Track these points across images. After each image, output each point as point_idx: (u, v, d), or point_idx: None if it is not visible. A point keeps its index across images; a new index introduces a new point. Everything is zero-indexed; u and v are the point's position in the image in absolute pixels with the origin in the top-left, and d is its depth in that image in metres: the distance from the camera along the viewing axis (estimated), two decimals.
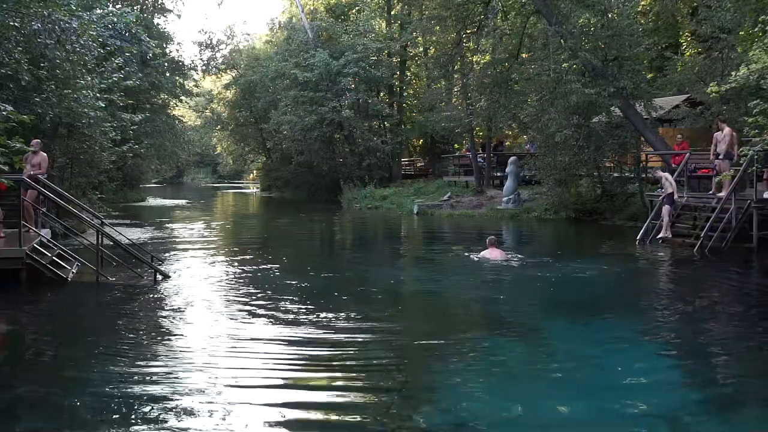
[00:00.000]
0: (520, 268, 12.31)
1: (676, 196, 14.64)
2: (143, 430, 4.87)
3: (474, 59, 27.12)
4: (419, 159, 39.41)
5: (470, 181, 27.99)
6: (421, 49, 36.66)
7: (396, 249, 14.93)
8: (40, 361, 6.86)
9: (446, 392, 5.70)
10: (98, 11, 18.45)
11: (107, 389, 5.70)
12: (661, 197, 15.14)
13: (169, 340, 7.38)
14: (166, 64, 34.78)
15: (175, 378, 5.98)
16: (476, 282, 11.59)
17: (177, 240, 17.26)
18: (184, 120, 46.24)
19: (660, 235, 14.39)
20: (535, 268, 12.09)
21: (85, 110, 15.24)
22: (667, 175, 14.73)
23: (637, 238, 15.03)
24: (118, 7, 26.91)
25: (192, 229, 20.52)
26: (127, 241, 12.54)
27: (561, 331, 7.84)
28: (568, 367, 6.37)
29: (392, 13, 35.87)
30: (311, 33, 34.38)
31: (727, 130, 14.51)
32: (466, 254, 13.37)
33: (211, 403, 5.35)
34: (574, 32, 18.47)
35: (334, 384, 5.96)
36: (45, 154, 12.18)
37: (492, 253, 12.58)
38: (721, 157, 14.46)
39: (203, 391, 5.60)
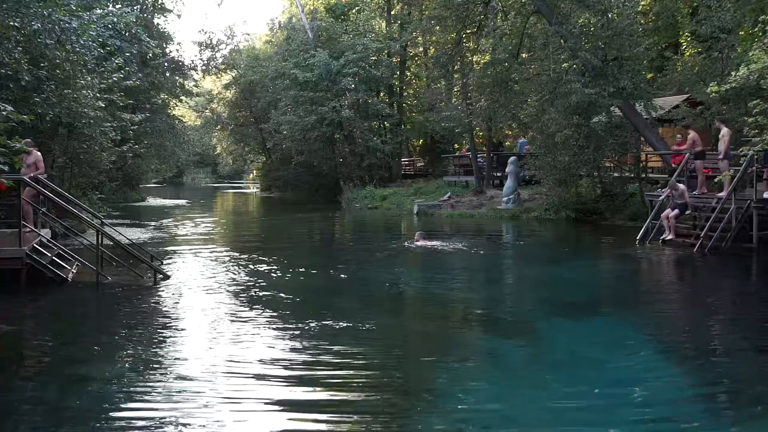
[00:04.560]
0: (504, 264, 13.19)
1: (687, 211, 14.68)
2: (143, 430, 4.88)
3: (474, 59, 27.13)
4: (419, 159, 39.40)
5: (470, 181, 28.00)
6: (421, 49, 36.67)
7: (394, 249, 14.95)
8: (40, 361, 6.86)
9: (446, 392, 5.70)
10: (98, 11, 18.38)
11: (107, 389, 5.70)
12: (662, 197, 15.14)
13: (168, 340, 7.38)
14: (166, 64, 34.74)
15: (174, 378, 5.99)
16: (476, 282, 11.61)
17: (177, 240, 17.27)
18: (184, 120, 46.20)
19: (668, 237, 14.35)
20: (522, 266, 12.11)
21: (85, 110, 15.22)
22: (684, 188, 14.69)
23: (637, 238, 15.03)
24: (118, 7, 26.87)
25: (192, 228, 20.53)
26: (127, 241, 12.54)
27: (561, 330, 7.84)
28: (567, 367, 6.38)
29: (392, 13, 35.87)
30: (311, 33, 34.37)
31: (725, 130, 14.51)
32: (404, 243, 15.47)
33: (210, 402, 5.35)
34: (574, 32, 18.46)
35: (333, 384, 5.96)
36: (39, 153, 12.11)
37: (422, 242, 14.99)
38: (720, 156, 14.48)
39: (203, 391, 5.60)
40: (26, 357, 7.02)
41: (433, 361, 6.69)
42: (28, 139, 11.93)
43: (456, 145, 35.83)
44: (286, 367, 6.33)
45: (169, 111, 37.95)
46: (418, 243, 14.96)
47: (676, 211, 14.36)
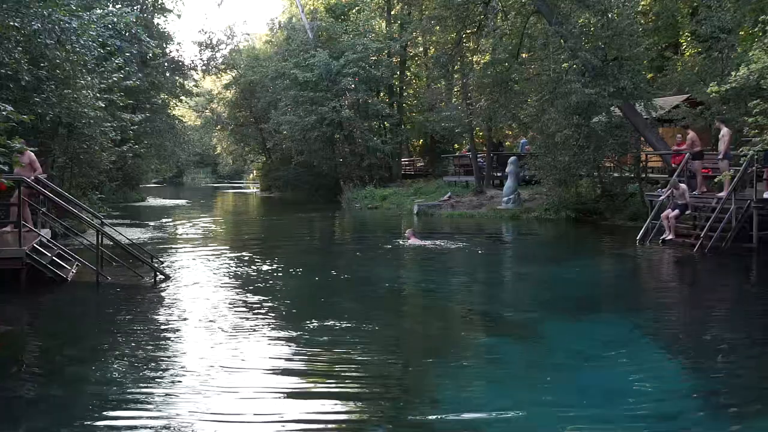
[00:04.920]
0: (504, 264, 13.31)
1: (688, 211, 14.69)
2: (142, 430, 4.88)
3: (474, 59, 27.12)
4: (419, 159, 39.41)
5: (470, 181, 27.99)
6: (421, 49, 36.66)
7: (389, 248, 14.97)
8: (40, 361, 6.86)
9: (446, 392, 5.70)
10: (98, 11, 18.37)
11: (107, 389, 5.70)
12: (662, 197, 15.14)
13: (168, 340, 7.38)
14: (166, 64, 34.72)
15: (174, 378, 5.98)
16: (475, 282, 11.61)
17: (177, 240, 17.27)
18: (184, 120, 46.20)
19: (668, 237, 14.35)
20: (522, 265, 12.13)
21: (85, 110, 15.22)
22: (685, 188, 14.69)
23: (637, 238, 15.03)
24: (118, 7, 26.85)
25: (192, 228, 20.53)
26: (127, 241, 12.54)
27: (561, 330, 7.84)
28: (567, 367, 6.38)
29: (392, 13, 35.87)
30: (311, 33, 34.37)
31: (725, 130, 14.52)
32: (397, 241, 15.72)
33: (210, 402, 5.35)
34: (574, 32, 18.46)
35: (333, 384, 5.96)
36: (32, 153, 11.70)
37: (414, 240, 15.17)
38: (720, 156, 14.49)
39: (202, 391, 5.60)
40: (26, 357, 7.02)
41: (432, 362, 6.68)
42: (22, 139, 11.83)
43: (456, 145, 35.83)
44: (285, 369, 6.33)
45: (169, 111, 37.94)
46: (410, 241, 15.12)
47: (677, 211, 14.36)
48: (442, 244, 15.33)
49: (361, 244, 17.29)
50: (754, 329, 7.95)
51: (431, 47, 33.50)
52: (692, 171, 15.67)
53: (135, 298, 9.64)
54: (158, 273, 10.77)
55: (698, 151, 15.41)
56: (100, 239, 10.85)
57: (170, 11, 36.97)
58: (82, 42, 14.28)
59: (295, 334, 7.48)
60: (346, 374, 6.19)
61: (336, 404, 5.47)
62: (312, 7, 38.93)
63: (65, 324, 8.42)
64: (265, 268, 12.10)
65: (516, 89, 22.19)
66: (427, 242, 15.28)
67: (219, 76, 49.58)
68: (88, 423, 5.05)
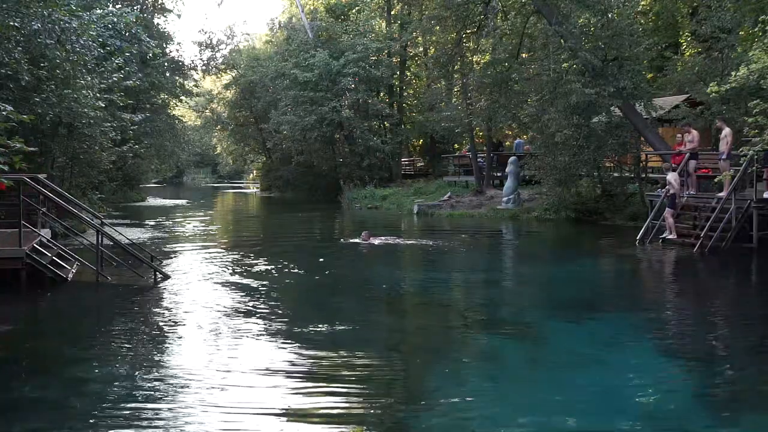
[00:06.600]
0: (504, 264, 13.18)
1: (677, 199, 14.66)
2: (142, 430, 4.88)
3: (474, 59, 27.13)
4: (419, 159, 39.40)
5: (470, 181, 28.00)
6: (421, 49, 36.66)
7: (392, 249, 15.00)
8: (40, 361, 6.86)
9: (446, 393, 5.70)
10: (98, 11, 18.40)
11: (107, 389, 5.70)
12: (662, 197, 15.14)
13: (168, 340, 7.38)
14: (166, 64, 34.73)
15: (174, 378, 5.98)
16: (474, 282, 11.60)
17: (177, 240, 17.26)
18: (184, 120, 46.18)
19: (669, 237, 14.36)
20: (508, 262, 12.12)
21: (85, 110, 15.23)
22: (675, 175, 14.67)
23: (637, 238, 15.02)
24: (118, 7, 26.85)
25: (192, 228, 20.52)
26: (127, 241, 12.54)
27: (561, 330, 7.85)
28: (567, 367, 6.38)
29: (392, 13, 35.87)
30: (311, 33, 34.37)
31: (727, 129, 14.52)
32: (353, 240, 15.90)
33: (210, 402, 5.35)
34: (574, 32, 18.46)
35: (333, 384, 5.96)
36: None
37: (371, 240, 15.37)
38: (723, 157, 14.48)
39: (202, 392, 5.60)
40: (26, 357, 7.02)
41: (432, 362, 6.67)
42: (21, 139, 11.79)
43: (456, 145, 35.83)
44: (284, 369, 6.33)
45: (169, 111, 37.93)
46: (368, 241, 15.38)
47: (671, 209, 14.36)
48: (402, 242, 15.90)
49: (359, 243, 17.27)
50: (753, 329, 7.95)
51: (431, 47, 33.49)
52: (687, 171, 15.68)
53: (135, 298, 9.65)
54: (158, 273, 10.77)
55: (695, 152, 15.39)
56: (100, 239, 10.86)
57: (170, 11, 37.01)
58: (82, 42, 14.30)
59: (294, 333, 7.48)
60: (346, 374, 6.20)
61: (335, 404, 5.47)
62: (312, 7, 38.93)
63: (65, 324, 8.42)
64: (264, 267, 12.10)
65: (516, 89, 22.19)
66: (382, 239, 15.89)
67: (219, 76, 49.59)
68: (88, 423, 5.05)
